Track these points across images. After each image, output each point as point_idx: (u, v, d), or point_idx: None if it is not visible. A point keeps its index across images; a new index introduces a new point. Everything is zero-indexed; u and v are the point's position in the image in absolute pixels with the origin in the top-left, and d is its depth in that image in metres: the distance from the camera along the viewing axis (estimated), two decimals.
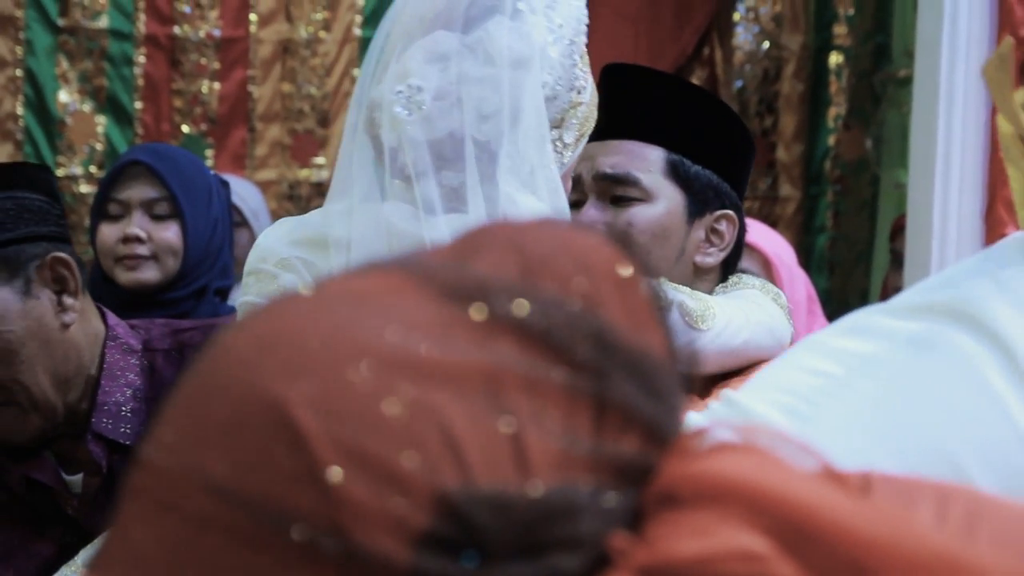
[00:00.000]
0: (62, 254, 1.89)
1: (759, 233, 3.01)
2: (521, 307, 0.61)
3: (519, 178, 1.53)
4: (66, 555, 1.94)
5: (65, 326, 1.89)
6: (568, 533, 0.58)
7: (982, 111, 3.22)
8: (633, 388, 0.61)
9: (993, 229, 3.20)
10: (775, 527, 0.58)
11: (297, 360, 0.60)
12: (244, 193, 4.31)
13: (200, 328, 2.03)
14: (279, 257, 1.60)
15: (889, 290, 4.01)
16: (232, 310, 2.93)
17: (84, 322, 1.93)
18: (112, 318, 2.00)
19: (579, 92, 1.62)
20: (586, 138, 1.66)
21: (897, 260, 3.98)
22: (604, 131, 1.79)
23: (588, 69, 1.65)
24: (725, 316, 1.80)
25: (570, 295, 0.62)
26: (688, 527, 0.58)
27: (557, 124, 1.60)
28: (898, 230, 3.99)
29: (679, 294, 1.75)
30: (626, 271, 0.64)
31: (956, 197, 3.21)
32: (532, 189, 1.54)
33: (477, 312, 0.61)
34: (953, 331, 1.03)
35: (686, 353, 0.65)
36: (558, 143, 1.61)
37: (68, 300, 1.89)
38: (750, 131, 2.15)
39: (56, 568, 1.94)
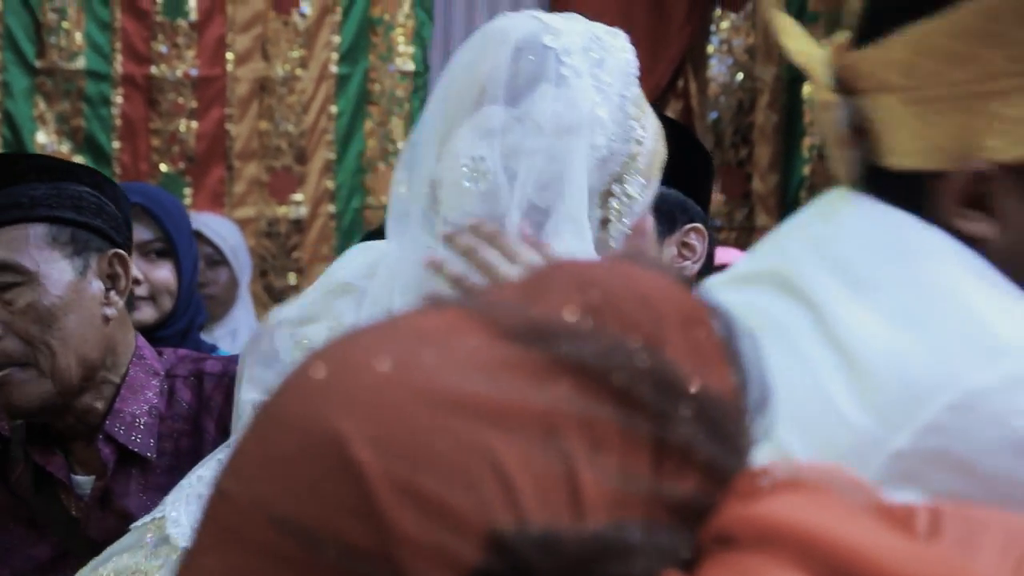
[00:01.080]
0: (124, 253, 2.01)
1: (735, 259, 3.04)
2: (581, 348, 0.62)
3: (574, 239, 1.56)
4: (61, 560, 1.98)
5: (106, 319, 1.98)
6: (620, 572, 0.59)
7: None
8: (693, 428, 0.62)
9: None
10: (826, 571, 0.59)
11: (358, 396, 0.62)
12: (223, 231, 4.31)
13: (217, 359, 2.10)
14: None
15: None
16: (211, 348, 2.96)
17: (121, 330, 2.02)
18: (141, 340, 2.07)
19: (638, 142, 1.63)
20: (656, 179, 1.68)
21: None
22: None
23: (646, 110, 1.66)
24: None
25: (632, 335, 0.63)
26: (740, 569, 0.59)
27: (618, 179, 1.62)
28: None
29: None
30: (693, 310, 0.65)
31: None
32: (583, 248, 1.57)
33: (537, 353, 0.62)
34: (770, 299, 1.06)
35: (759, 392, 0.66)
36: (623, 197, 1.63)
37: (115, 297, 1.99)
38: (703, 145, 2.19)
39: (49, 570, 1.98)
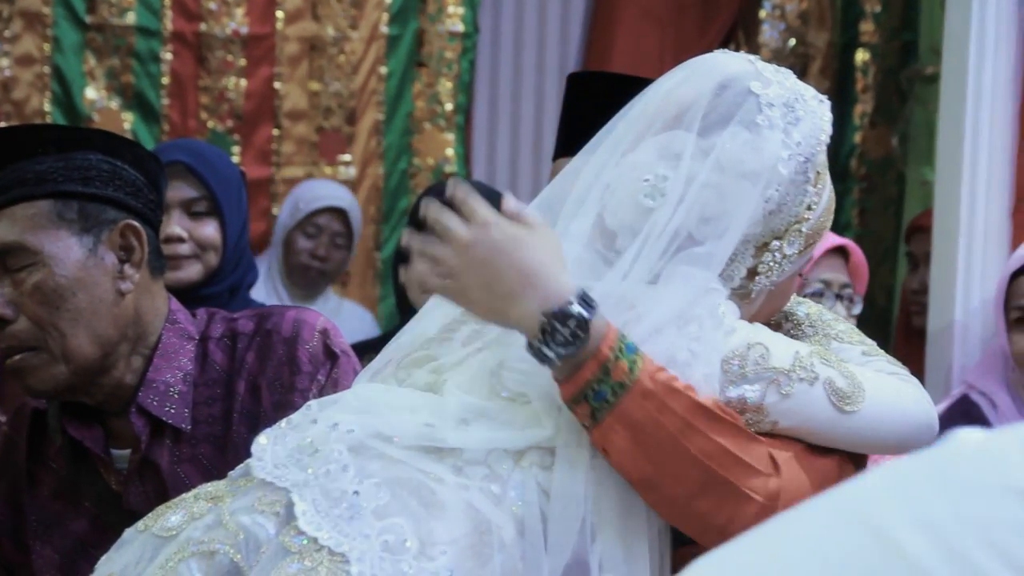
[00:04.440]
0: (136, 223, 1.94)
1: None
2: None
3: (699, 270, 1.61)
4: (102, 533, 1.97)
5: (121, 293, 1.94)
6: None
7: (1010, 109, 3.21)
8: None
9: (1020, 226, 3.20)
10: None
11: None
12: (358, 215, 4.45)
13: (251, 316, 2.06)
14: None
15: (906, 293, 4.00)
16: (260, 305, 2.96)
17: (146, 299, 1.98)
18: (175, 303, 2.04)
19: (809, 208, 1.67)
20: (812, 250, 1.72)
21: (913, 262, 3.96)
22: (575, 143, 1.79)
23: (826, 181, 1.70)
24: (877, 400, 1.68)
25: None
26: None
27: (779, 235, 1.67)
28: (914, 231, 3.97)
29: (829, 369, 1.65)
30: None
31: (983, 195, 3.21)
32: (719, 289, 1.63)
33: None
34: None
35: None
36: (777, 253, 1.67)
37: (129, 270, 1.94)
38: None
39: (89, 544, 1.98)
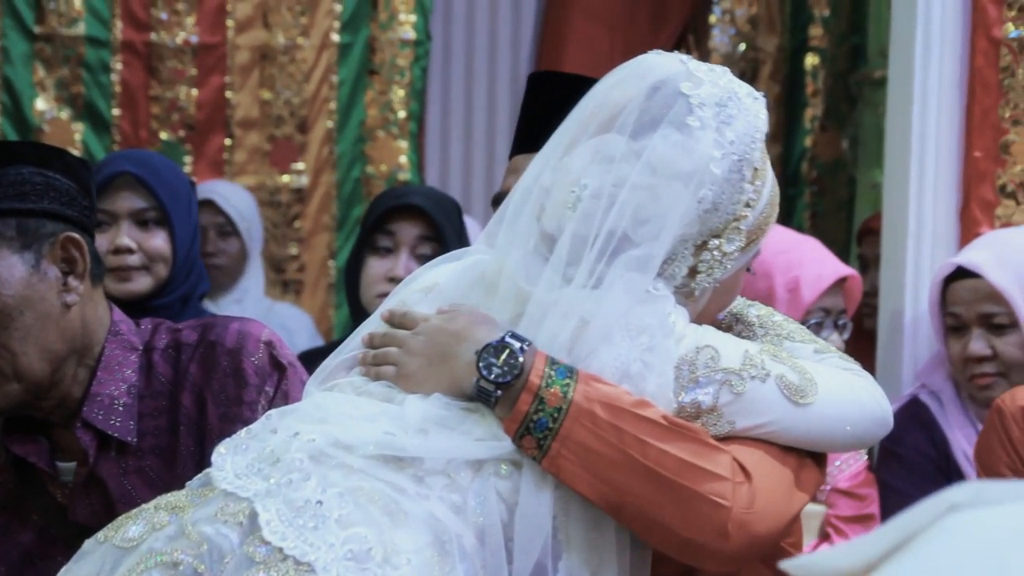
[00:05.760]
0: (76, 235, 1.93)
1: None
2: None
3: (637, 274, 1.62)
4: (49, 544, 1.97)
5: (67, 306, 1.92)
6: None
7: (956, 111, 3.24)
8: None
9: (968, 228, 3.22)
10: None
11: None
12: (235, 200, 4.29)
13: (194, 327, 2.05)
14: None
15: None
16: (212, 315, 2.94)
17: (90, 308, 1.96)
18: (118, 314, 2.03)
19: (747, 205, 1.67)
20: (757, 245, 1.73)
21: (864, 264, 3.98)
22: (534, 141, 1.81)
23: (765, 176, 1.70)
24: (831, 393, 1.69)
25: None
26: None
27: (718, 234, 1.67)
28: (865, 233, 4.00)
29: (779, 366, 1.66)
30: None
31: (931, 197, 3.23)
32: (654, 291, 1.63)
33: None
34: None
35: None
36: (716, 251, 1.67)
37: (73, 282, 1.93)
38: None
39: (36, 556, 1.97)
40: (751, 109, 1.68)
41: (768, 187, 1.71)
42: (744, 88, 1.70)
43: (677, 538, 1.59)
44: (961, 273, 2.92)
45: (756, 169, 1.68)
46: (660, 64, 1.68)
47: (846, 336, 3.06)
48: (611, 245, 1.61)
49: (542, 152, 1.69)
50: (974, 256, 2.93)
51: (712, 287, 1.69)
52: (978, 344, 2.89)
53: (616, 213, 1.61)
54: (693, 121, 1.63)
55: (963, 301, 2.91)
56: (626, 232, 1.61)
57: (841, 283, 3.08)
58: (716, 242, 1.67)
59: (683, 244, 1.65)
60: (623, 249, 1.61)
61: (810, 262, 3.04)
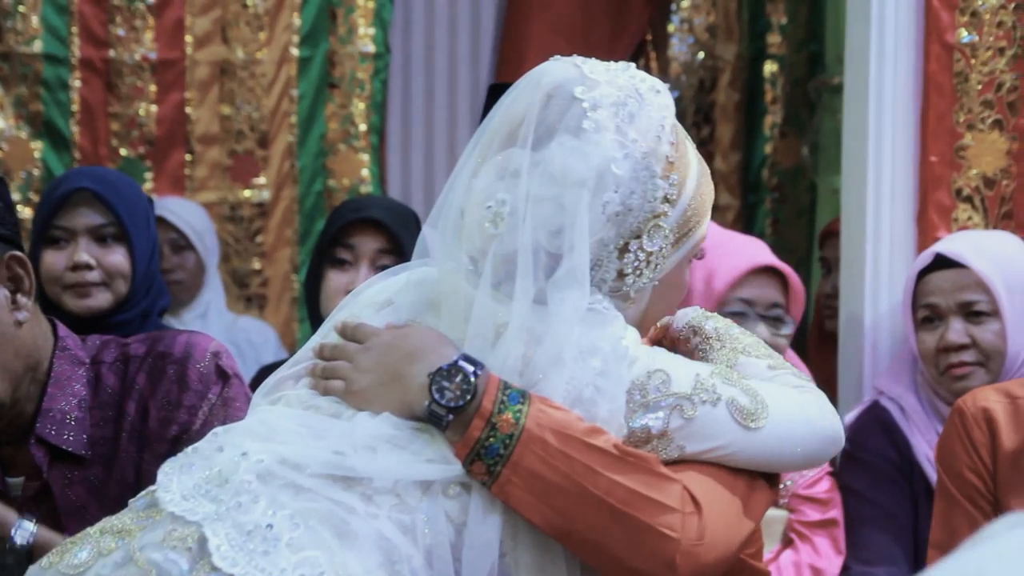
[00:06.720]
0: (19, 254, 1.92)
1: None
2: None
3: (570, 288, 1.59)
4: None
5: (18, 323, 1.92)
6: None
7: (911, 116, 3.26)
8: None
9: (925, 233, 3.24)
10: None
11: None
12: (187, 215, 4.29)
13: (143, 340, 2.05)
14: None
15: (819, 298, 4.05)
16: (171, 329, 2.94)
17: (36, 325, 1.97)
18: (63, 330, 2.03)
19: (666, 201, 1.65)
20: (692, 238, 1.70)
21: (826, 267, 4.00)
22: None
23: (683, 167, 1.67)
24: (782, 414, 1.68)
25: None
26: None
27: (637, 234, 1.65)
28: (827, 236, 4.02)
29: (731, 388, 1.65)
30: None
31: (888, 202, 3.25)
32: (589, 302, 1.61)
33: None
34: None
35: None
36: (640, 252, 1.65)
37: (22, 299, 1.93)
38: None
39: None
40: (654, 103, 1.66)
41: (692, 178, 1.69)
42: (647, 83, 1.67)
43: (625, 567, 1.58)
44: (939, 264, 2.94)
45: (670, 163, 1.65)
46: (552, 71, 1.66)
47: (785, 331, 3.01)
48: (539, 259, 1.59)
49: (454, 172, 1.68)
50: (954, 247, 2.95)
51: (650, 286, 1.68)
52: (956, 332, 2.90)
53: (530, 227, 1.58)
54: (588, 124, 1.61)
55: (942, 291, 2.92)
56: (542, 245, 1.59)
57: (779, 280, 3.04)
58: (636, 243, 1.65)
59: (603, 249, 1.63)
60: (549, 264, 1.59)
61: (728, 253, 2.99)
